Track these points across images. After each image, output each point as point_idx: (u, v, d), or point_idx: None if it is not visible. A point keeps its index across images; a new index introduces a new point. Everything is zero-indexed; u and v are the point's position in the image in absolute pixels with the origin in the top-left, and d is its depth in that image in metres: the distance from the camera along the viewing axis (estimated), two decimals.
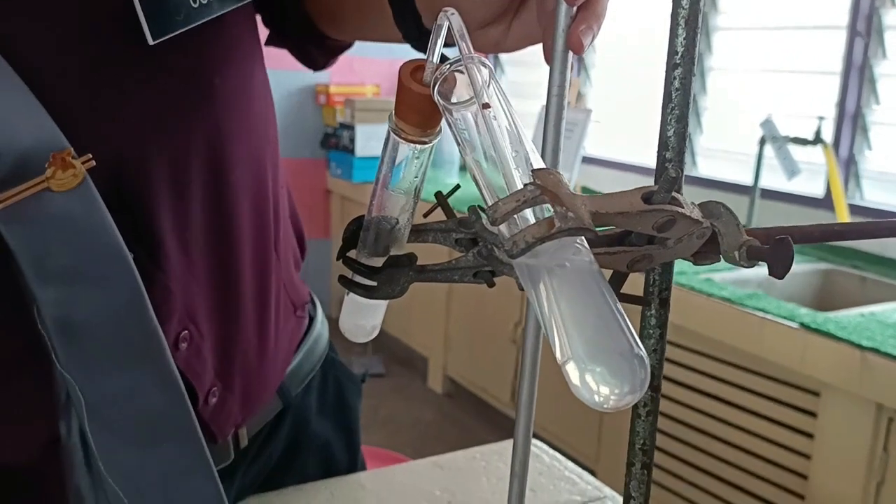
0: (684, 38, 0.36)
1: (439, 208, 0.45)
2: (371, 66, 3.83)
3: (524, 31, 0.51)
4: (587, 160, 3.18)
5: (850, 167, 2.39)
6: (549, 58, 0.42)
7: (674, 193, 0.33)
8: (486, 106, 0.34)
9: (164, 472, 0.49)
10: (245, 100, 0.61)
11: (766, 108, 2.46)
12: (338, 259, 0.45)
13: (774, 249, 0.32)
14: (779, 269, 0.32)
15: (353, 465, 0.84)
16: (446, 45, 0.40)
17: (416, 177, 0.43)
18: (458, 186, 0.47)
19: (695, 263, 0.36)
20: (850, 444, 1.67)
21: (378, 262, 0.45)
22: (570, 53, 0.41)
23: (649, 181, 0.39)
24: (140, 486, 0.49)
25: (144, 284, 0.48)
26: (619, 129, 3.28)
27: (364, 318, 0.49)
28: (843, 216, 2.10)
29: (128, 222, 0.49)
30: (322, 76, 3.74)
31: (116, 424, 0.47)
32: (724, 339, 1.90)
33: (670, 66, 0.37)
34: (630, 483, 0.42)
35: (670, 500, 2.09)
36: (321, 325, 0.80)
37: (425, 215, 0.45)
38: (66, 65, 0.49)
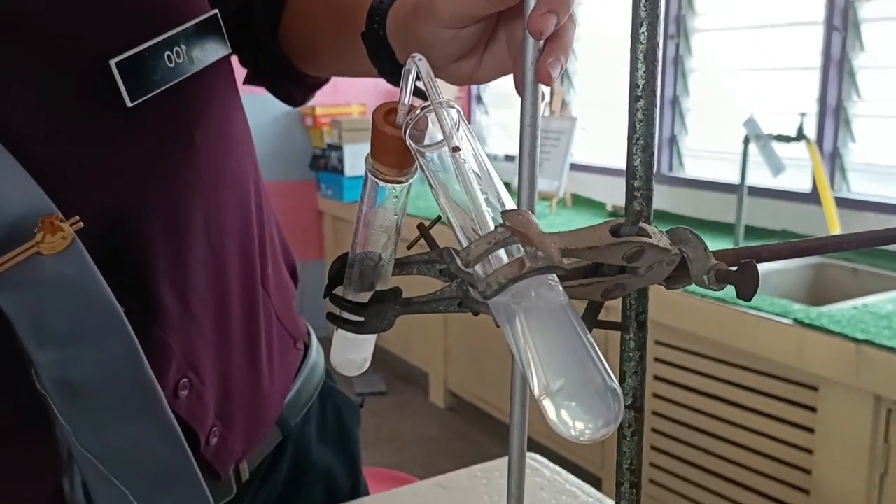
0: (644, 72, 0.37)
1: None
2: (356, 86, 3.84)
3: (495, 63, 0.52)
4: (575, 167, 3.20)
5: (834, 160, 2.41)
6: (520, 89, 0.43)
7: (642, 224, 0.34)
8: (455, 149, 0.35)
9: None
10: (227, 146, 0.62)
11: (749, 107, 2.48)
12: (325, 297, 0.46)
13: (741, 272, 0.34)
14: (746, 292, 0.33)
15: (356, 490, 0.85)
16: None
17: (395, 214, 0.44)
18: (439, 218, 0.48)
19: (667, 288, 0.37)
20: (851, 437, 1.68)
21: (364, 297, 0.46)
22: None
23: None
24: None
25: (140, 338, 0.49)
26: (606, 135, 3.30)
27: (354, 352, 0.50)
28: (830, 210, 2.12)
29: (121, 278, 0.50)
30: None
31: (119, 477, 0.48)
32: (720, 338, 1.91)
33: (633, 99, 0.38)
34: (620, 503, 0.43)
35: (676, 501, 2.09)
36: (316, 353, 0.81)
37: (409, 247, 0.46)
38: (47, 128, 0.50)
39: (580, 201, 3.20)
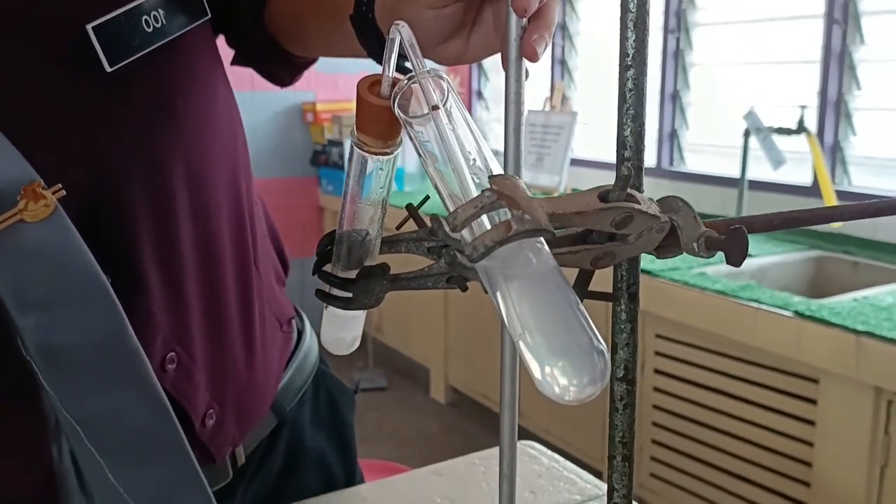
0: (634, 41, 0.37)
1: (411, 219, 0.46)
2: (355, 82, 3.82)
3: (483, 42, 0.52)
4: (576, 162, 3.19)
5: (835, 154, 2.40)
6: (506, 66, 0.43)
7: (631, 191, 0.34)
8: (434, 108, 0.35)
9: (155, 491, 0.50)
10: (211, 118, 0.62)
11: (749, 101, 2.47)
12: (313, 274, 0.45)
13: (730, 239, 0.33)
14: (735, 258, 0.33)
15: (351, 477, 0.85)
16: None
17: (381, 187, 0.44)
18: (427, 198, 0.48)
19: (658, 257, 0.36)
20: (851, 430, 1.67)
21: (353, 274, 0.46)
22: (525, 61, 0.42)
23: None
24: None
25: (124, 308, 0.48)
26: (606, 130, 3.29)
27: (344, 330, 0.50)
28: (831, 203, 2.11)
29: (106, 249, 0.50)
30: (308, 94, 3.75)
31: (105, 445, 0.48)
32: (721, 331, 1.91)
33: (623, 68, 0.38)
34: (612, 476, 0.42)
35: (678, 495, 2.09)
36: (310, 338, 0.81)
37: (398, 227, 0.46)
38: (28, 98, 0.50)
39: None
